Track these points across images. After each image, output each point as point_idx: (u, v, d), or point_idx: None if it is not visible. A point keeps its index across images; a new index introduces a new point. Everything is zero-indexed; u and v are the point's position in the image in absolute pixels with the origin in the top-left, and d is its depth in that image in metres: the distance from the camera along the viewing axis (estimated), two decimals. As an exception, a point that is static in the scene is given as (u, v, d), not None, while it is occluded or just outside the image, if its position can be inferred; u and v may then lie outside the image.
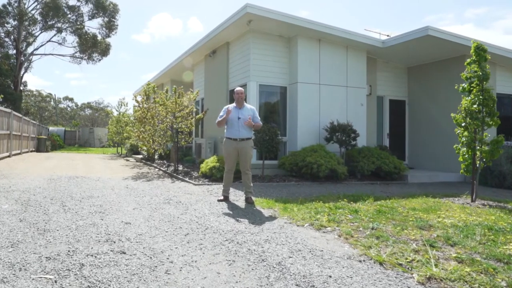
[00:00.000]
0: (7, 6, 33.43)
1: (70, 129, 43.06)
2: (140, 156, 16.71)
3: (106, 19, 36.02)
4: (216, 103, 13.12)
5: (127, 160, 16.86)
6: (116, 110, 20.79)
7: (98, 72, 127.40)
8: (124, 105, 20.71)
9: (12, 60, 33.17)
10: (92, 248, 3.80)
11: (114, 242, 4.02)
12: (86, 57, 37.67)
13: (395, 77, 13.79)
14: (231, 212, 5.83)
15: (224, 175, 6.95)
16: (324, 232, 4.89)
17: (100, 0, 34.52)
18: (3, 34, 34.03)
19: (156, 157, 14.75)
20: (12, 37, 33.83)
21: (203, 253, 3.84)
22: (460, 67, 11.83)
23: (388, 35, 12.92)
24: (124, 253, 3.70)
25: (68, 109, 72.19)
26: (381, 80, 13.49)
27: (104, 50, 37.18)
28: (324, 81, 11.70)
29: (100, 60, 38.26)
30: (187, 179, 9.49)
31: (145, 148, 13.67)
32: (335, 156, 10.44)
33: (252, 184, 6.89)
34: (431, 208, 6.49)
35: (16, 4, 33.36)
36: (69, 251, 3.69)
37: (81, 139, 39.79)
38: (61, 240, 4.04)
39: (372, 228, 5.03)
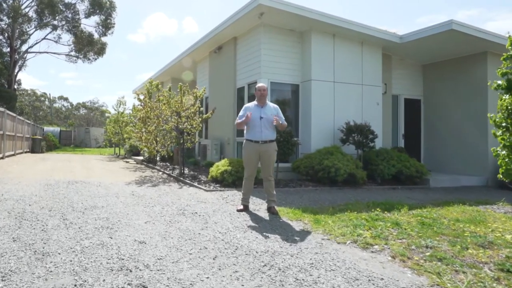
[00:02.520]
0: (1, 3, 32.36)
1: (66, 129, 41.96)
2: (141, 158, 15.87)
3: (102, 17, 34.98)
4: (222, 102, 12.34)
5: (127, 162, 16.01)
6: (115, 110, 19.90)
7: (93, 72, 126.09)
8: (123, 104, 19.85)
9: (6, 58, 32.11)
10: (104, 280, 3.02)
11: (131, 271, 3.23)
12: (82, 56, 36.61)
13: (410, 75, 13.08)
14: (257, 226, 5.06)
15: (244, 181, 6.18)
16: (372, 251, 4.14)
17: (96, -3, 33.53)
18: (-4, 32, 32.99)
19: (157, 158, 13.94)
20: (6, 34, 32.76)
21: (242, 285, 3.08)
22: (481, 64, 11.20)
23: (394, 33, 12.19)
24: (146, 287, 2.92)
25: (63, 108, 70.95)
26: (396, 78, 12.76)
27: (100, 49, 36.13)
28: (338, 78, 10.96)
29: (96, 59, 37.20)
30: (196, 184, 8.71)
31: (146, 149, 12.86)
32: (353, 159, 9.70)
33: (275, 192, 6.12)
34: (476, 219, 5.77)
35: (10, 1, 32.29)
36: (75, 285, 2.90)
37: (76, 139, 38.74)
38: (64, 268, 3.25)
39: (427, 247, 4.29)
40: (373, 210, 6.17)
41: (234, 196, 7.39)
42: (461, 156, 11.63)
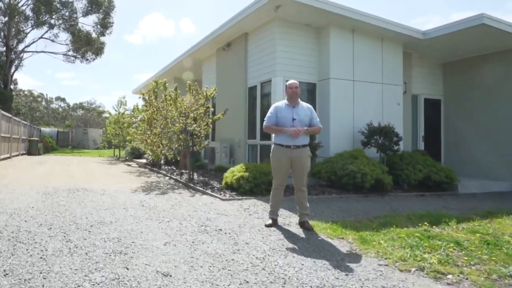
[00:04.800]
0: (-3, 1, 31.35)
1: (63, 130, 40.92)
2: (144, 161, 14.99)
3: (100, 16, 33.97)
4: (231, 102, 11.52)
5: (129, 165, 15.12)
6: (115, 110, 18.96)
7: (90, 72, 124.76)
8: (124, 105, 18.92)
9: (2, 58, 31.08)
10: None
11: (161, 325, 2.40)
12: (79, 56, 35.58)
13: (430, 74, 12.30)
14: (296, 248, 4.24)
15: (272, 192, 5.37)
16: (449, 284, 3.35)
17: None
18: (-8, 31, 31.94)
19: (162, 162, 13.08)
20: (2, 33, 31.73)
21: None
22: (510, 61, 10.46)
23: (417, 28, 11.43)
24: None
25: (60, 109, 69.76)
26: (416, 77, 11.98)
27: (98, 49, 35.09)
28: (358, 77, 10.18)
29: (94, 59, 36.13)
30: (209, 191, 7.87)
31: (150, 153, 12.00)
32: (378, 163, 8.91)
33: (308, 205, 5.30)
34: (541, 235, 4.97)
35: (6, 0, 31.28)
36: None
37: (74, 140, 37.73)
38: (71, 319, 2.41)
39: (512, 276, 3.49)
40: (420, 224, 5.36)
41: (256, 206, 6.57)
42: (487, 159, 10.85)
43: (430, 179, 9.13)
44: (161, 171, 11.89)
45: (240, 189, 7.70)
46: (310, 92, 10.20)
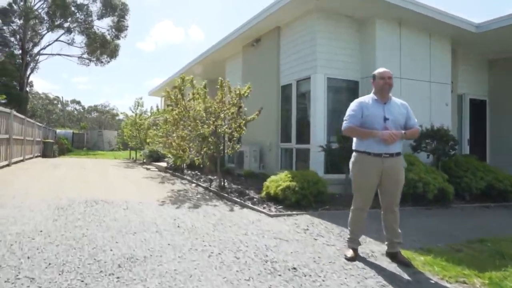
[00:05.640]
0: (13, 4, 30.15)
1: (78, 132, 39.55)
2: (163, 164, 13.54)
3: (115, 19, 32.65)
4: (260, 102, 10.00)
5: (148, 169, 13.68)
6: (132, 111, 17.52)
7: (104, 77, 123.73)
8: (141, 106, 17.49)
9: (17, 60, 29.82)
10: None
11: None
12: (94, 59, 34.28)
13: (475, 72, 10.80)
14: (418, 303, 2.79)
15: (352, 213, 3.94)
16: None
17: (108, -2, 31.18)
18: (8, 34, 30.69)
19: (184, 166, 11.63)
20: (17, 36, 30.52)
21: None
22: None
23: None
24: None
25: (75, 112, 68.63)
26: (461, 75, 10.49)
27: (113, 51, 33.75)
28: (405, 75, 8.75)
29: (108, 62, 34.77)
30: (248, 203, 6.44)
31: (171, 156, 10.60)
32: (437, 170, 7.46)
33: (400, 230, 3.86)
34: None
35: (22, 3, 30.07)
36: None
37: (89, 142, 36.35)
38: None
39: None
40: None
41: (314, 226, 5.11)
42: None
43: (493, 188, 7.67)
44: (184, 176, 10.45)
45: (286, 201, 6.25)
46: (351, 91, 8.75)
